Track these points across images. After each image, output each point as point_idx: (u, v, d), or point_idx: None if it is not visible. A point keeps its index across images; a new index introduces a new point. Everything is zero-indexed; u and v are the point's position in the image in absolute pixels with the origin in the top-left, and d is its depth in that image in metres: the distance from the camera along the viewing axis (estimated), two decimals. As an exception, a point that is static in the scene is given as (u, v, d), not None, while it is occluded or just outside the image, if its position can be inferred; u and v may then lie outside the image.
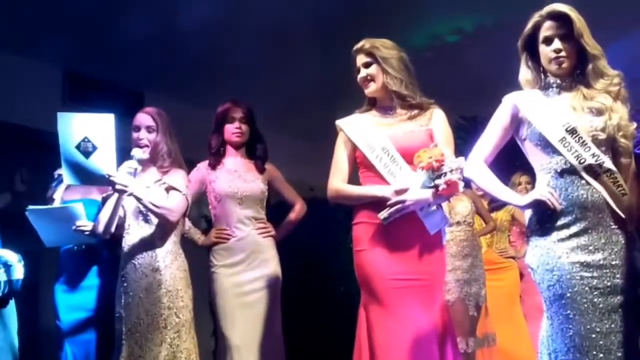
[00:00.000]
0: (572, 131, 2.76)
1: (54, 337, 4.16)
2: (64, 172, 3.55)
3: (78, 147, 3.41)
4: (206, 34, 5.72)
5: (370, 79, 3.33)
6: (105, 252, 4.08)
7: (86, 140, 3.40)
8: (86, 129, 3.42)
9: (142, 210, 3.71)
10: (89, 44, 5.73)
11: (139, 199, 3.61)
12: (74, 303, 4.07)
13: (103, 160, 3.45)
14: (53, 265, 4.26)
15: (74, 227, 3.88)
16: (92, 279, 4.10)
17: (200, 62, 6.15)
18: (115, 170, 3.52)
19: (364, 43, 3.36)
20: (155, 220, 3.72)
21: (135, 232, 3.74)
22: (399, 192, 3.10)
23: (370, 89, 3.35)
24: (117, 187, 3.53)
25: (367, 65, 3.33)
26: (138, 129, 3.80)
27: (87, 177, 3.53)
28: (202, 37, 5.77)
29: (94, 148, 3.42)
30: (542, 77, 2.92)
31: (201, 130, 4.41)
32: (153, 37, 5.65)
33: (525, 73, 2.95)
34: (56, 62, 6.12)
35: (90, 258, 4.11)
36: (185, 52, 6.00)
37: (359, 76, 3.36)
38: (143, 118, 3.82)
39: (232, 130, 4.25)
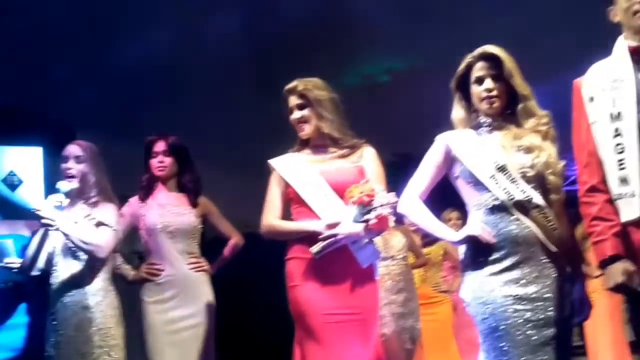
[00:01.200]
0: (502, 169, 2.82)
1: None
2: None
3: (4, 180, 3.33)
4: (142, 71, 5.69)
5: (303, 120, 3.36)
6: (31, 289, 3.95)
7: (12, 174, 3.33)
8: (12, 163, 3.35)
9: (71, 247, 3.63)
10: (20, 76, 5.62)
11: (66, 235, 3.54)
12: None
13: (30, 194, 3.38)
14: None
15: (1, 264, 3.77)
16: (19, 317, 3.98)
17: (134, 98, 6.10)
18: (42, 204, 3.45)
19: (297, 84, 3.38)
20: (84, 257, 3.64)
21: (63, 268, 3.65)
22: (330, 227, 3.13)
23: (305, 132, 3.38)
24: (44, 221, 3.45)
25: (300, 107, 3.36)
26: (67, 159, 3.75)
27: (12, 211, 3.45)
28: (138, 74, 5.73)
29: (20, 182, 3.35)
30: (474, 116, 2.99)
31: (133, 166, 4.37)
32: (86, 73, 5.60)
33: (457, 112, 3.01)
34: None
35: (17, 295, 3.99)
36: (119, 88, 5.94)
37: (292, 117, 3.39)
38: (72, 148, 3.78)
39: (155, 164, 4.21)
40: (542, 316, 2.73)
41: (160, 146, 4.21)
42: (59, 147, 3.87)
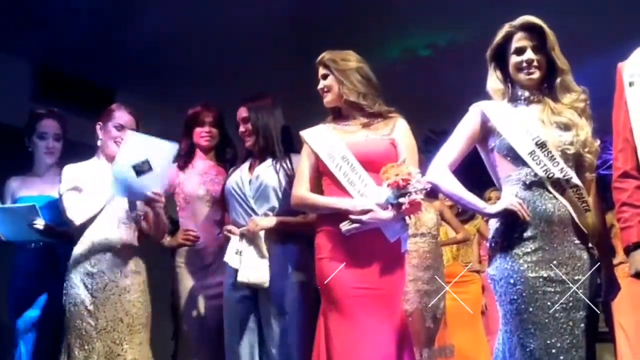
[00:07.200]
0: (542, 145, 2.79)
1: (9, 334, 4.07)
2: (113, 184, 3.54)
3: (134, 166, 3.44)
4: (180, 34, 5.70)
5: (326, 90, 3.44)
6: (61, 250, 3.98)
7: (146, 162, 3.45)
8: (149, 152, 3.48)
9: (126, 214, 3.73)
10: (59, 39, 5.67)
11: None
12: (29, 300, 3.99)
13: (152, 182, 3.53)
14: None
15: (34, 225, 3.81)
16: (47, 277, 4.01)
17: (171, 62, 6.12)
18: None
19: (324, 55, 3.46)
20: (131, 224, 3.77)
21: (111, 232, 3.71)
22: (362, 212, 3.13)
23: (326, 99, 3.45)
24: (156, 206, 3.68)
25: (324, 77, 3.45)
26: (121, 128, 3.78)
27: (130, 191, 3.57)
28: (175, 37, 5.74)
29: (149, 170, 3.46)
30: (510, 88, 2.95)
31: (169, 128, 4.42)
32: (125, 34, 5.62)
33: (493, 83, 2.97)
34: (26, 56, 6.04)
35: (47, 256, 4.03)
36: (157, 51, 5.97)
37: (318, 87, 3.47)
38: (131, 122, 3.82)
39: (202, 133, 4.24)
40: (571, 299, 2.70)
41: (208, 116, 4.25)
42: (98, 109, 3.91)
